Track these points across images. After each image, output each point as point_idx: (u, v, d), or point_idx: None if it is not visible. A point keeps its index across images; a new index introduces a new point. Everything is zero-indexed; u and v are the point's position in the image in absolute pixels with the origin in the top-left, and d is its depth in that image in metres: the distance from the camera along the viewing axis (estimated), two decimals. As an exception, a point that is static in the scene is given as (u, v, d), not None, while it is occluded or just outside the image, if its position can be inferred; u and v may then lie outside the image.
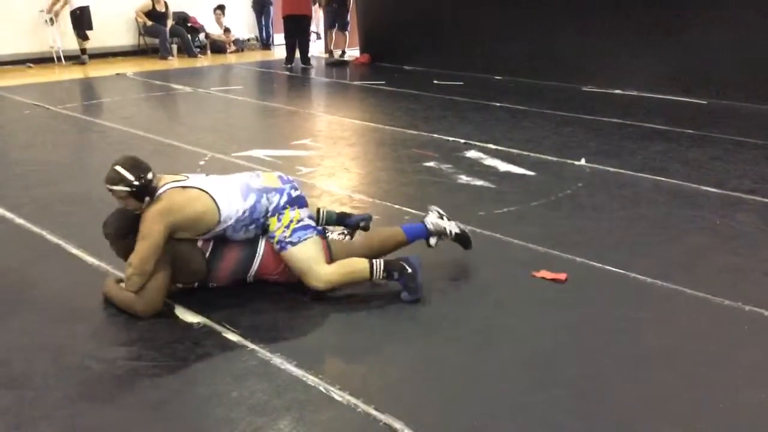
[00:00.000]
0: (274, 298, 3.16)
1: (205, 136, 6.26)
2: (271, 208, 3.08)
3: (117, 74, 10.03)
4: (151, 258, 2.89)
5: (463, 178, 5.04)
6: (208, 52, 12.67)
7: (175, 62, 11.65)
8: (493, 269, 3.53)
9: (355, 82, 9.80)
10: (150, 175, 2.94)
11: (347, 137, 6.43)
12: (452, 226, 3.45)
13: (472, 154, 5.70)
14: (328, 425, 2.31)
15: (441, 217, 3.48)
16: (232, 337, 2.84)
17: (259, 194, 3.09)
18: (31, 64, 10.63)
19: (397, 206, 4.40)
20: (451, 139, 6.18)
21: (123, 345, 2.78)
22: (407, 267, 3.11)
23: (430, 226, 3.43)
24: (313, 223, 3.18)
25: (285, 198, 3.12)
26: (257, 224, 3.10)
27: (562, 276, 3.37)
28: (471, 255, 3.55)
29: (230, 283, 3.17)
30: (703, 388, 2.53)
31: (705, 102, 7.93)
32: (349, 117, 7.34)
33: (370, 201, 4.53)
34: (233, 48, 13.02)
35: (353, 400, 2.41)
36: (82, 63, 10.86)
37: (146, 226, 2.89)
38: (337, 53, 12.21)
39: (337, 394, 2.45)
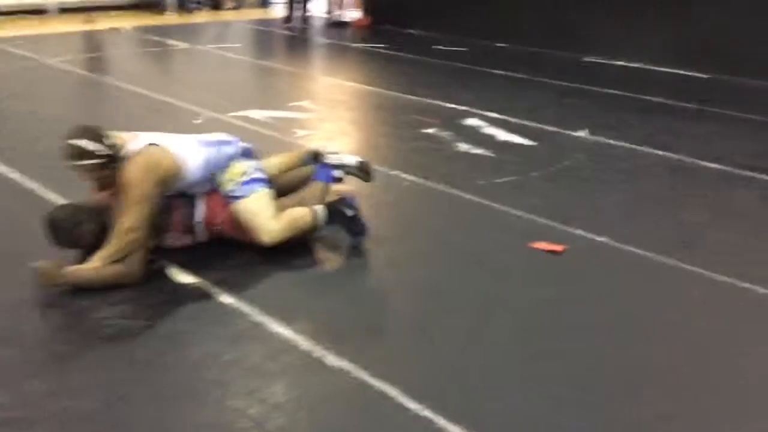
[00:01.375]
0: (268, 262, 3.13)
1: (201, 95, 6.16)
2: (224, 160, 3.10)
3: (112, 28, 9.84)
4: (147, 217, 2.85)
5: (463, 146, 4.98)
6: (206, 7, 12.44)
7: (173, 17, 11.44)
8: (490, 239, 3.50)
9: (356, 45, 9.65)
10: (112, 139, 2.86)
11: (346, 100, 6.34)
12: (350, 158, 3.41)
13: (472, 121, 5.63)
14: (322, 390, 2.30)
15: (335, 153, 3.45)
16: (226, 299, 2.81)
17: (214, 145, 3.13)
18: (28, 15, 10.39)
19: (394, 172, 4.34)
20: (451, 106, 6.10)
21: (114, 304, 2.74)
22: (346, 210, 3.13)
23: (329, 160, 3.37)
24: (263, 175, 3.18)
25: (236, 149, 3.17)
26: (213, 176, 3.11)
27: (559, 248, 3.34)
28: (468, 224, 3.51)
29: (184, 230, 3.13)
30: (701, 360, 2.52)
31: (706, 76, 7.85)
32: (348, 80, 7.23)
33: (368, 166, 4.47)
34: (231, 4, 12.79)
35: (347, 366, 2.39)
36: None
37: (136, 186, 2.82)
38: (337, 14, 12.01)
39: (331, 360, 2.43)
